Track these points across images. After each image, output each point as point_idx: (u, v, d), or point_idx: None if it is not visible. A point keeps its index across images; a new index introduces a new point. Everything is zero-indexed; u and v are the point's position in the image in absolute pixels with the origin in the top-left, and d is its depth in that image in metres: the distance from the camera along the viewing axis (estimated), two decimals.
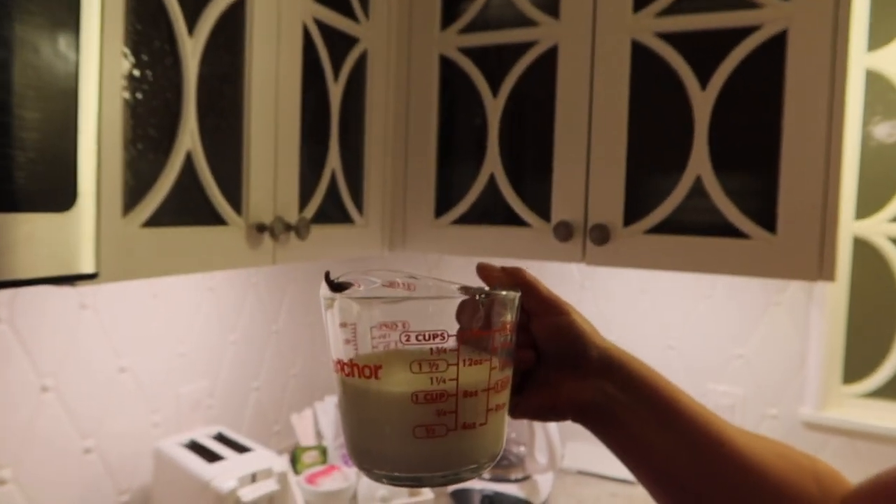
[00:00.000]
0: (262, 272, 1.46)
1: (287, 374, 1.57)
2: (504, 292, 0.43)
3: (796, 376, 1.35)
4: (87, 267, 0.64)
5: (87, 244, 0.64)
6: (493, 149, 1.23)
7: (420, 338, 0.40)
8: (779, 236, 1.02)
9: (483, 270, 0.49)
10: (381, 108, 1.26)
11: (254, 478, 1.02)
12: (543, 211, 1.18)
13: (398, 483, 0.42)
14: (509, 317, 0.43)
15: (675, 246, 1.08)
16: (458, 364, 0.40)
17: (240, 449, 1.10)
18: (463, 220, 1.26)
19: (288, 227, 0.99)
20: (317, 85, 1.10)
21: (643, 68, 1.10)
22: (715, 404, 1.37)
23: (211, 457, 1.07)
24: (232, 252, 0.92)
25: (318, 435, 1.37)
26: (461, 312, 0.42)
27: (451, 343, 0.40)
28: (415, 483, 0.42)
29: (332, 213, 1.16)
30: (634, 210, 1.12)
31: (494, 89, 1.22)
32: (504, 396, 0.44)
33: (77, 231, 0.63)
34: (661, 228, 1.10)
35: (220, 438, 1.15)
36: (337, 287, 0.45)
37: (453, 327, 0.41)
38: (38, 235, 0.60)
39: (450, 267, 1.64)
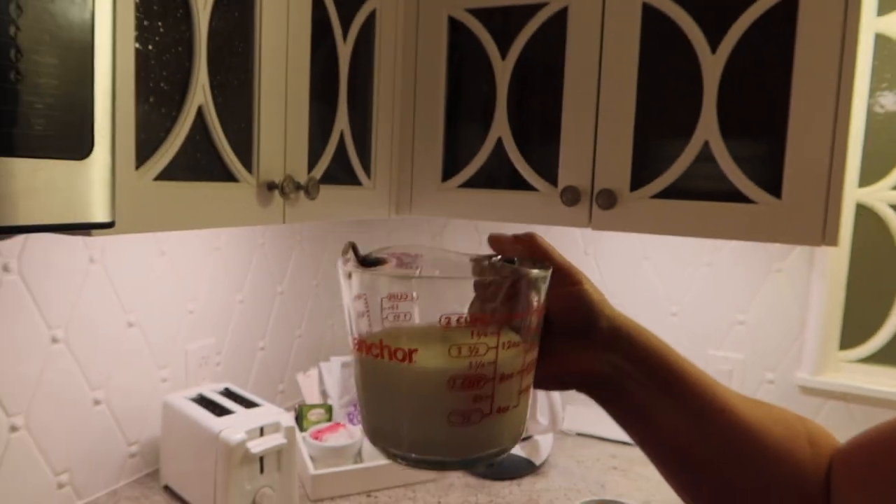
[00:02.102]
0: (268, 234, 1.47)
1: (292, 334, 1.59)
2: (536, 271, 0.41)
3: (794, 342, 1.36)
4: (104, 216, 0.65)
5: (104, 193, 0.65)
6: (502, 112, 1.23)
7: (460, 321, 0.38)
8: (784, 202, 1.02)
9: (496, 242, 0.47)
10: (390, 70, 1.26)
11: (262, 431, 1.04)
12: (550, 175, 1.19)
13: (417, 466, 0.40)
14: (541, 296, 0.42)
15: (681, 211, 1.09)
16: (497, 348, 0.38)
17: (247, 404, 1.12)
18: (470, 183, 1.27)
19: (298, 187, 1.00)
20: (326, 44, 1.10)
21: (653, 31, 1.10)
22: (714, 370, 1.40)
23: (219, 410, 1.09)
24: (243, 209, 0.93)
25: (324, 394, 1.39)
26: (494, 293, 0.40)
27: (493, 327, 0.38)
28: (437, 467, 0.40)
29: (340, 174, 1.16)
30: (641, 175, 1.12)
31: (503, 52, 1.22)
32: (531, 377, 0.43)
33: (93, 180, 0.64)
34: (668, 193, 1.10)
35: (228, 394, 1.17)
36: (369, 262, 0.42)
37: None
38: (55, 182, 0.60)
39: (455, 231, 1.65)
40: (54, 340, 1.04)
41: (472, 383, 0.38)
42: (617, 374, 0.46)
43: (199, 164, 0.87)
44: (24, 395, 1.00)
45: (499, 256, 0.46)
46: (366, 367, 0.40)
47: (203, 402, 1.13)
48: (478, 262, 0.45)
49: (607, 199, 1.11)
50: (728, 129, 1.06)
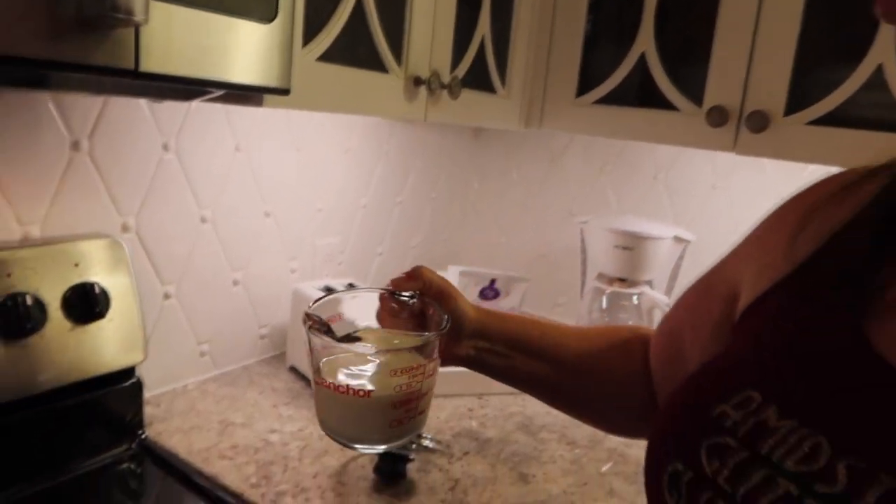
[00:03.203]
0: (393, 142, 1.49)
1: (407, 245, 1.63)
2: (445, 317, 0.58)
3: None
4: (282, 82, 0.67)
5: (283, 60, 0.67)
6: (648, 26, 1.17)
7: (404, 372, 0.54)
8: None
9: (394, 282, 0.63)
10: None
11: None
12: (695, 95, 1.13)
13: (358, 450, 0.65)
14: (442, 321, 0.59)
15: (840, 139, 1.01)
16: (423, 376, 0.55)
17: None
18: (605, 100, 1.23)
19: (442, 85, 1.00)
20: None
21: None
22: None
23: None
24: (390, 101, 0.94)
25: None
26: (427, 345, 0.57)
27: (430, 365, 0.56)
28: (374, 450, 0.66)
29: (477, 80, 1.15)
30: (799, 98, 1.05)
31: None
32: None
33: (275, 45, 0.66)
34: (828, 120, 1.03)
35: (352, 288, 1.22)
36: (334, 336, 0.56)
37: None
38: (244, 42, 0.63)
39: (574, 158, 1.61)
40: (203, 220, 1.11)
41: (407, 402, 0.55)
42: (480, 354, 0.65)
43: (355, 50, 0.88)
44: (176, 267, 1.09)
45: (405, 294, 0.61)
46: (329, 397, 0.56)
47: (330, 292, 1.18)
48: (387, 300, 0.62)
49: (758, 122, 1.05)
50: None
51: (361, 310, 0.63)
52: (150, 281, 1.04)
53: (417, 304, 0.61)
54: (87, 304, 0.84)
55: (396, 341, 0.61)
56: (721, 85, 1.10)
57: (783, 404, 0.38)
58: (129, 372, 0.93)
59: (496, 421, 1.12)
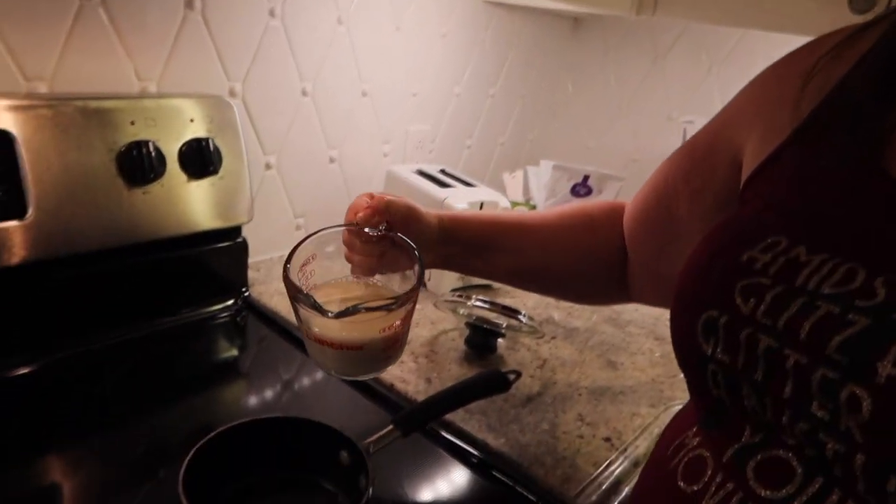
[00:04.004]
0: (490, 32, 1.44)
1: (495, 140, 1.61)
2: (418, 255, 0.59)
3: None
4: None
5: None
6: None
7: (390, 327, 0.56)
8: None
9: (360, 219, 0.61)
10: None
11: (481, 206, 1.08)
12: None
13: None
14: (411, 253, 0.60)
15: None
16: (408, 317, 0.59)
17: (465, 183, 1.16)
18: None
19: None
20: None
21: None
22: None
23: (440, 184, 1.14)
24: None
25: (527, 194, 1.41)
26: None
27: (409, 306, 0.58)
28: (368, 377, 0.67)
29: None
30: None
31: None
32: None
33: None
34: None
35: (445, 173, 1.22)
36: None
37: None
38: None
39: (680, 59, 1.52)
40: (304, 93, 1.11)
41: (394, 340, 0.59)
42: (448, 257, 0.69)
43: None
44: (277, 138, 1.10)
45: (372, 230, 0.61)
46: (321, 350, 0.57)
47: (423, 175, 1.19)
48: (353, 237, 0.61)
49: None
50: None
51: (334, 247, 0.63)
52: (254, 149, 1.06)
53: (386, 238, 0.61)
54: (200, 159, 0.87)
55: (372, 303, 0.58)
56: None
57: (811, 243, 0.38)
58: (236, 230, 0.97)
59: (582, 312, 1.11)
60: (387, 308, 0.55)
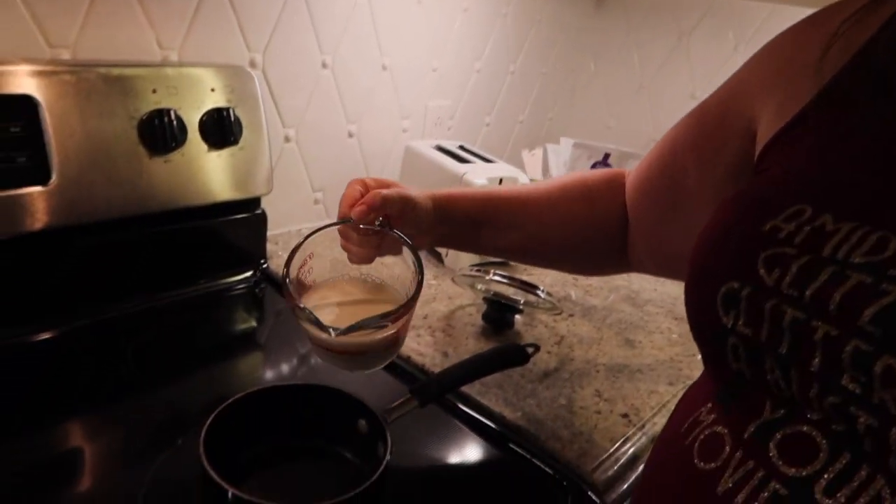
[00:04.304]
0: (511, 6, 1.42)
1: (514, 119, 1.59)
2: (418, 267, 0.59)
3: None
4: None
5: None
6: None
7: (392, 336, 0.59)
8: None
9: (356, 214, 0.59)
10: None
11: (500, 181, 1.07)
12: None
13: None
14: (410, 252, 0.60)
15: None
16: (408, 319, 0.60)
17: (484, 159, 1.16)
18: None
19: None
20: None
21: None
22: None
23: (459, 159, 1.13)
24: None
25: (545, 173, 1.40)
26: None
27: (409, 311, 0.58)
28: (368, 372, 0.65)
29: None
30: None
31: None
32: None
33: None
34: None
35: (464, 149, 1.21)
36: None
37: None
38: None
39: (709, 28, 1.49)
40: (323, 66, 1.11)
41: (396, 340, 0.60)
42: (445, 239, 0.69)
43: None
44: (297, 111, 1.10)
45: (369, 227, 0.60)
46: (326, 353, 0.60)
47: (442, 150, 1.18)
48: (350, 232, 0.61)
49: None
50: None
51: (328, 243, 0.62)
52: (273, 121, 1.06)
53: (382, 233, 0.60)
54: (221, 129, 0.87)
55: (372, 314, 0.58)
56: None
57: (837, 211, 0.36)
58: (255, 202, 0.97)
59: (601, 291, 1.11)
60: (386, 322, 0.55)
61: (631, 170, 0.71)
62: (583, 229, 0.71)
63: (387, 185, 0.64)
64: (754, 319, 0.37)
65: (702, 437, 0.41)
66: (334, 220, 0.61)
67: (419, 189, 0.66)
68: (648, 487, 0.50)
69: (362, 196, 0.60)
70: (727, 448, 0.39)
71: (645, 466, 0.54)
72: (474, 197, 0.70)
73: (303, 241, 0.59)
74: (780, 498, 0.35)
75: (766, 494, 0.35)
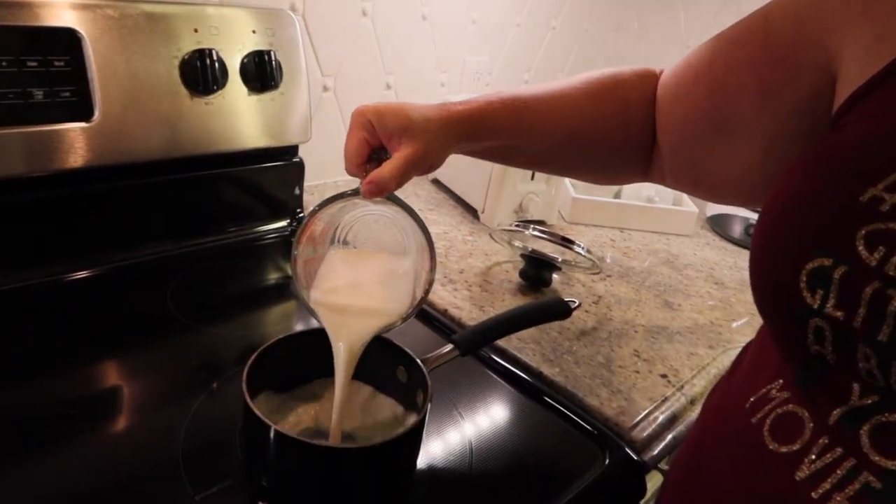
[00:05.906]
0: None
1: (553, 76, 1.55)
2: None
3: None
4: None
5: None
6: None
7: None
8: None
9: (352, 164, 0.56)
10: None
11: None
12: None
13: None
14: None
15: None
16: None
17: None
18: None
19: None
20: None
21: None
22: None
23: None
24: None
25: None
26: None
27: None
28: None
29: None
30: None
31: None
32: None
33: None
34: None
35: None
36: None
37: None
38: None
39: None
40: (363, 13, 1.08)
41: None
42: (467, 154, 0.62)
43: None
44: (335, 59, 1.08)
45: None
46: None
47: None
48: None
49: None
50: None
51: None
52: (312, 69, 1.04)
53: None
54: (262, 73, 0.85)
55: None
56: None
57: None
58: (293, 150, 0.96)
59: (639, 254, 1.09)
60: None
61: (665, 71, 0.62)
62: (612, 136, 0.63)
63: (393, 121, 0.55)
64: (849, 302, 0.33)
65: (774, 415, 0.39)
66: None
67: (432, 111, 0.58)
68: (699, 453, 0.47)
69: (369, 149, 0.56)
70: (807, 432, 0.36)
71: (695, 430, 0.51)
72: (492, 112, 0.60)
73: (309, 219, 0.55)
74: (872, 491, 0.32)
75: (856, 486, 0.33)
